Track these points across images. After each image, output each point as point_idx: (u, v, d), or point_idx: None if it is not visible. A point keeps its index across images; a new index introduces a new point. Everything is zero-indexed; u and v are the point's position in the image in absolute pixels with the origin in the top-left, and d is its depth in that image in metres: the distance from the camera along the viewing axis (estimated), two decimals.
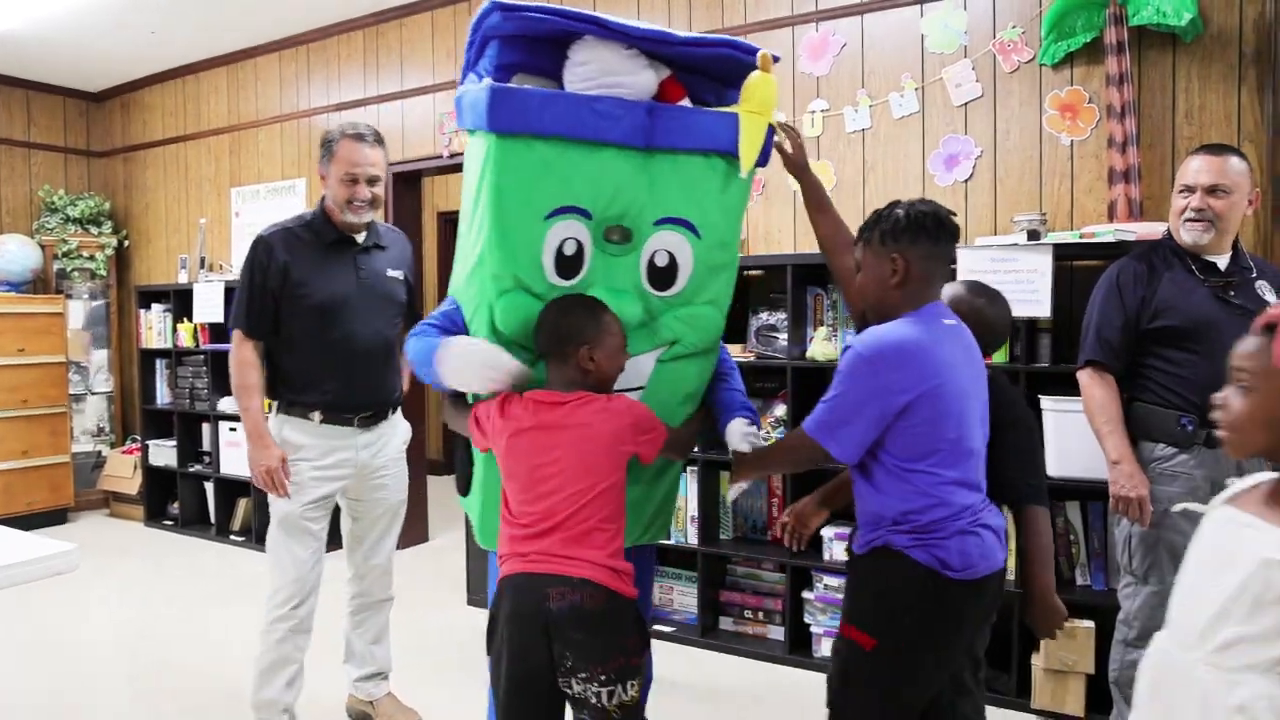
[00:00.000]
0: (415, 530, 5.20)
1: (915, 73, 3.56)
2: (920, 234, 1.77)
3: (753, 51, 1.97)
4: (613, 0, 4.20)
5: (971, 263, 3.00)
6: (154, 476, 5.74)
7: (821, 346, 3.39)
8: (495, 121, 1.76)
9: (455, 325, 1.99)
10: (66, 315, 5.85)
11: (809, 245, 3.76)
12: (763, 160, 2.00)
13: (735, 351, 3.56)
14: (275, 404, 2.70)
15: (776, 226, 3.86)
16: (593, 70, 1.86)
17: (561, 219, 1.85)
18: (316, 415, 2.63)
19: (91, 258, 6.18)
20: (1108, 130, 3.09)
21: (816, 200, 2.19)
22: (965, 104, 3.47)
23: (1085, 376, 2.50)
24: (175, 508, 5.68)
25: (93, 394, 6.25)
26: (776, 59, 2.00)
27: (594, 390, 1.87)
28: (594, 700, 1.73)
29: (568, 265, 1.90)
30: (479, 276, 1.87)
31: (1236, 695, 1.22)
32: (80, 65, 5.88)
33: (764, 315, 3.53)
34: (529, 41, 1.90)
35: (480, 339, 1.89)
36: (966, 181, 3.48)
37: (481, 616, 4.16)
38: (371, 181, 2.66)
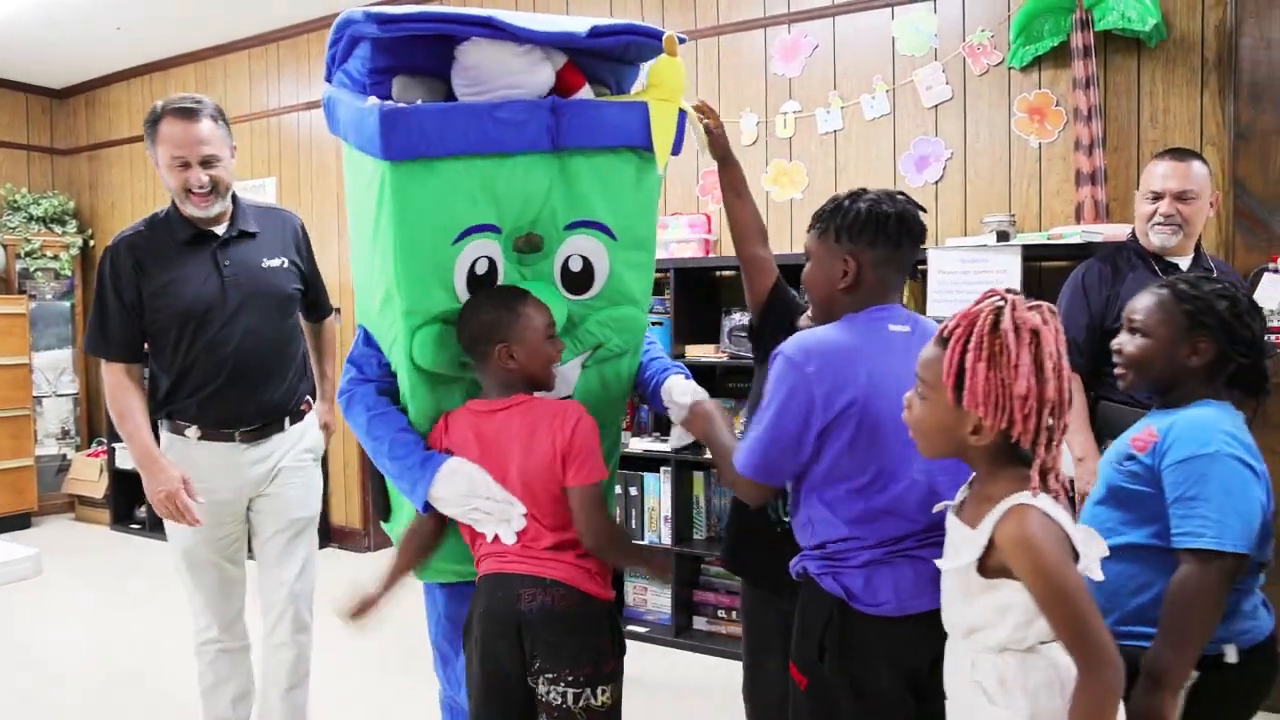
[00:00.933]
0: None
1: (886, 75, 3.58)
2: (880, 236, 1.58)
3: (656, 35, 1.81)
4: (584, 1, 4.20)
5: (942, 263, 3.03)
6: (120, 479, 5.64)
7: None
8: (390, 150, 1.59)
9: (379, 366, 1.88)
10: (29, 316, 5.75)
11: (781, 245, 3.78)
12: (675, 149, 1.88)
13: (708, 352, 3.57)
14: (161, 424, 2.40)
15: None
16: (484, 73, 1.70)
17: (471, 239, 1.71)
18: (193, 431, 2.33)
19: (56, 257, 6.08)
20: (1075, 133, 3.14)
21: (736, 186, 2.09)
22: (935, 106, 3.50)
23: None
24: (142, 511, 5.59)
25: (58, 396, 6.14)
26: (682, 40, 1.86)
27: (529, 389, 1.79)
28: (558, 702, 1.69)
29: (480, 284, 1.77)
30: (390, 311, 1.75)
31: (975, 673, 1.36)
32: (43, 61, 5.78)
33: (737, 316, 3.54)
34: (408, 41, 1.70)
35: (477, 468, 1.74)
36: (937, 183, 3.51)
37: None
38: (207, 163, 2.26)
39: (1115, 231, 2.86)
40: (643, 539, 3.67)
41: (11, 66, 5.88)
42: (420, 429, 1.85)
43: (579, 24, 1.74)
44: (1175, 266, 2.47)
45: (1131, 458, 1.58)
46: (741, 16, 3.86)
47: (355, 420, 1.86)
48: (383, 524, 2.12)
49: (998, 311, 1.29)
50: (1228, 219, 2.97)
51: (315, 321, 2.68)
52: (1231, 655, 1.51)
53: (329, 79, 1.89)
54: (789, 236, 3.78)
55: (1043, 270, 3.21)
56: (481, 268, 1.76)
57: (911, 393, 1.41)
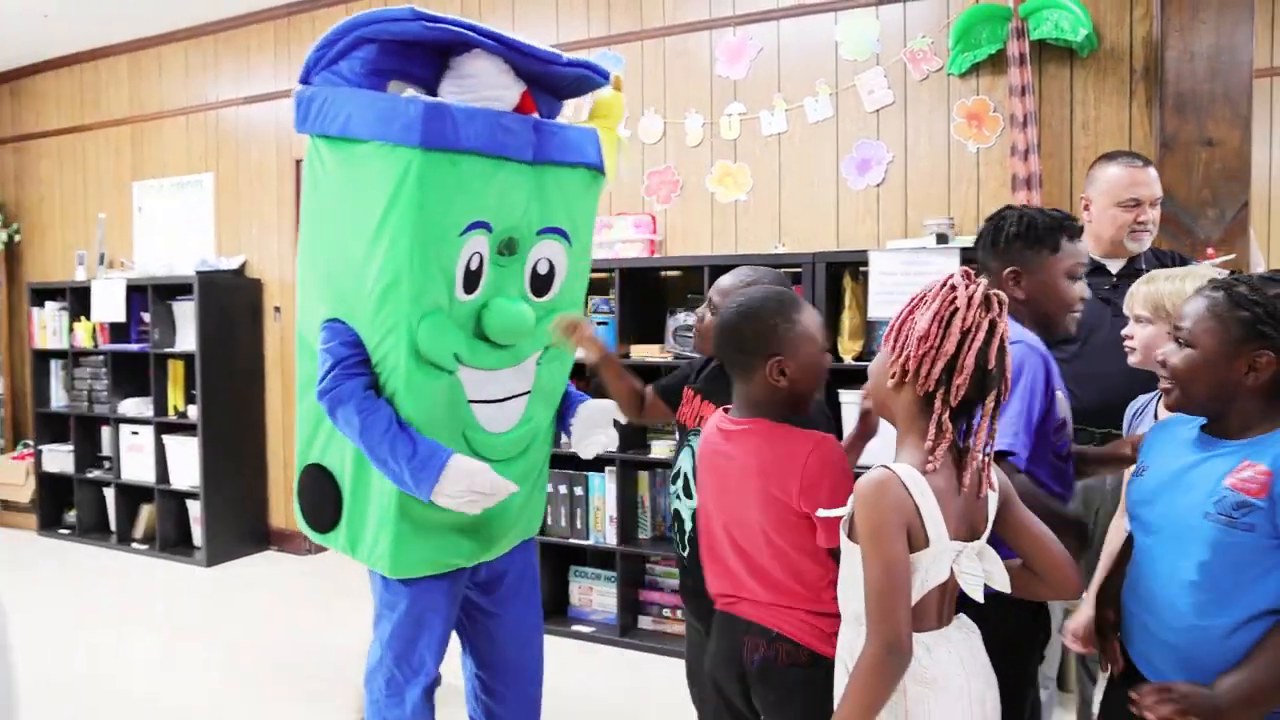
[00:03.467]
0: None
1: (830, 78, 3.63)
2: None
3: (603, 73, 2.16)
4: (534, 2, 4.19)
5: (883, 265, 3.09)
6: (49, 483, 5.47)
7: None
8: (427, 137, 1.76)
9: (362, 362, 1.89)
10: None
11: (725, 247, 3.82)
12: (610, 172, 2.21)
13: (653, 352, 3.58)
14: None
15: (694, 228, 3.89)
16: (477, 83, 1.91)
17: (473, 234, 1.88)
18: None
19: None
20: (1011, 139, 3.22)
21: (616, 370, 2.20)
22: (877, 110, 3.56)
23: None
24: (72, 515, 5.43)
25: None
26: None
27: (783, 411, 1.63)
28: None
29: (471, 279, 1.93)
30: (395, 298, 1.82)
31: (840, 642, 1.43)
32: None
33: (681, 316, 3.56)
34: (406, 47, 1.91)
35: (476, 463, 1.88)
36: (878, 186, 3.57)
37: None
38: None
39: None
40: (588, 539, 3.67)
41: None
42: (411, 419, 1.89)
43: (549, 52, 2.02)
44: (1103, 268, 2.54)
45: (1243, 505, 1.31)
46: (687, 18, 3.88)
47: (347, 417, 1.86)
48: (314, 533, 2.12)
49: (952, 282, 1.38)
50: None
51: None
52: None
53: (306, 80, 1.97)
54: (733, 237, 3.81)
55: (980, 272, 3.28)
56: (474, 264, 1.91)
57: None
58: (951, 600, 1.40)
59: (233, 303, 4.93)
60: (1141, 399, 2.15)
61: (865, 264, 3.16)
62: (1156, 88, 3.09)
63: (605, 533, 3.64)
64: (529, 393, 2.11)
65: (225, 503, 4.85)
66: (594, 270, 3.71)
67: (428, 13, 1.83)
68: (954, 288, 1.34)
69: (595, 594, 3.79)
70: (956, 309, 1.33)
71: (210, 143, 5.25)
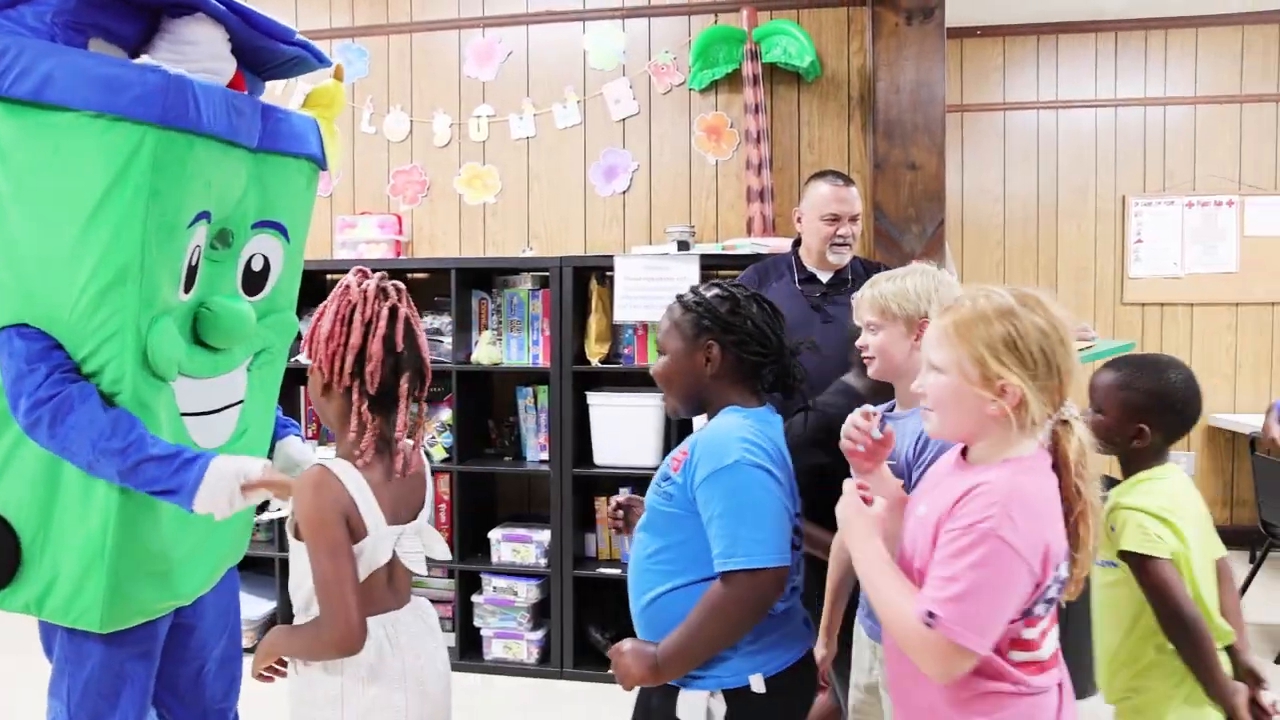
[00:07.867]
0: None
1: (578, 86, 3.69)
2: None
3: (323, 58, 1.99)
4: None
5: (628, 270, 3.17)
6: None
7: (486, 351, 3.39)
8: (167, 114, 1.52)
9: (72, 369, 1.57)
10: None
11: (473, 249, 3.77)
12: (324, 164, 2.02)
13: None
14: None
15: (441, 229, 3.81)
16: (195, 52, 1.66)
17: (199, 224, 1.65)
18: None
19: None
20: (746, 154, 3.42)
21: None
22: (624, 120, 3.66)
23: None
24: None
25: None
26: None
27: None
28: None
29: (190, 276, 1.68)
30: (119, 298, 1.54)
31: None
32: None
33: (429, 319, 3.47)
34: (114, 1, 1.62)
35: (238, 460, 1.61)
36: (624, 193, 3.67)
37: None
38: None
39: (780, 244, 3.14)
40: None
41: None
42: None
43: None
44: (814, 278, 2.76)
45: (668, 478, 1.51)
46: (434, 16, 3.79)
47: (83, 422, 1.52)
48: None
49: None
50: (870, 238, 3.37)
51: None
52: (758, 685, 1.45)
53: None
54: (481, 240, 3.77)
55: (719, 278, 3.45)
56: (194, 258, 1.68)
57: None
58: (405, 581, 1.52)
59: None
60: None
61: (611, 269, 3.23)
62: (869, 115, 3.41)
63: None
64: (241, 402, 1.86)
65: None
66: (337, 272, 3.56)
67: None
68: (349, 287, 1.44)
69: None
70: (354, 304, 1.42)
71: None
